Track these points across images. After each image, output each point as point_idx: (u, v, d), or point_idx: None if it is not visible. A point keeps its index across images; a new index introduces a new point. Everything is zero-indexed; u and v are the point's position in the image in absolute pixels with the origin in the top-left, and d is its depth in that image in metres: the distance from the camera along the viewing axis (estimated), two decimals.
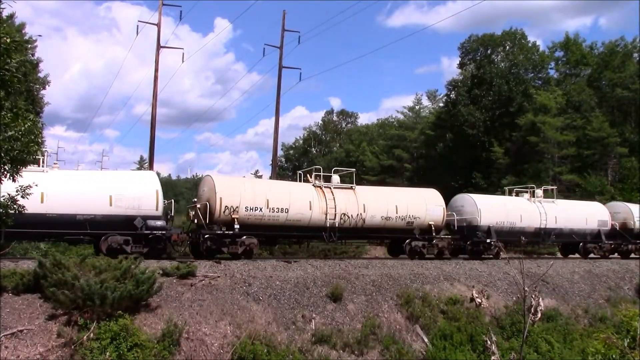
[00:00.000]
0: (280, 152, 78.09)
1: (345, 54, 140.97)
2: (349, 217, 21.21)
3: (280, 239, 22.19)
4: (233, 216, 19.19)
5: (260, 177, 70.77)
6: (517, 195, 27.51)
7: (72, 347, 11.92)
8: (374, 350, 15.28)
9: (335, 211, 20.91)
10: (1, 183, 10.86)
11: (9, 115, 10.14)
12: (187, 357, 13.00)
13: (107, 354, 11.81)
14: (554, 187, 28.55)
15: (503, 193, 29.43)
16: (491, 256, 23.51)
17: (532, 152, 46.67)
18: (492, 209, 24.72)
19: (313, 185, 21.74)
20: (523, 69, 52.84)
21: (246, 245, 19.30)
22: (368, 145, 68.07)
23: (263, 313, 15.05)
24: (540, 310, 7.08)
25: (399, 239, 22.91)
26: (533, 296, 7.05)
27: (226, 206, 19.15)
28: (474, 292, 18.56)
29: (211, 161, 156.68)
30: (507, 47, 54.22)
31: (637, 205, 30.17)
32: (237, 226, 19.10)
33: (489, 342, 7.13)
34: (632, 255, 28.15)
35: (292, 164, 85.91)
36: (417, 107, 67.24)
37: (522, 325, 10.15)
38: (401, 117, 68.80)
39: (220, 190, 19.28)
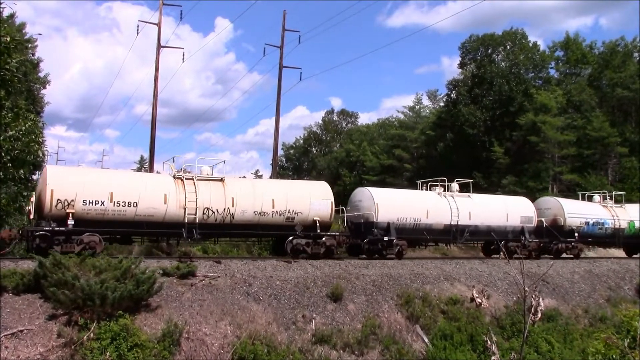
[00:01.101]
0: (280, 152, 78.25)
1: (346, 54, 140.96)
2: (214, 212, 18.98)
3: (134, 236, 19.86)
4: (68, 211, 16.93)
5: (261, 177, 70.75)
6: (429, 188, 24.97)
7: (73, 347, 11.92)
8: (374, 350, 15.28)
9: (196, 205, 18.65)
10: (2, 183, 10.89)
11: (9, 115, 10.17)
12: (187, 357, 12.99)
13: (108, 354, 11.81)
14: (471, 180, 25.90)
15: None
16: (392, 256, 21.45)
17: (533, 152, 46.70)
18: (392, 204, 22.36)
19: (173, 176, 19.44)
20: (523, 68, 52.88)
21: (85, 244, 17.15)
22: (368, 145, 68.12)
23: (263, 313, 15.05)
24: (541, 310, 7.09)
25: (279, 236, 20.82)
26: (533, 296, 7.05)
27: (59, 199, 16.82)
28: (474, 292, 18.56)
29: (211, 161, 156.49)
30: (508, 46, 54.25)
31: (569, 201, 28.78)
32: (71, 222, 16.97)
33: (489, 342, 7.13)
34: (565, 255, 26.19)
35: (292, 163, 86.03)
36: (417, 107, 67.34)
37: (523, 325, 10.15)
38: (401, 117, 68.93)
39: (52, 182, 16.78)
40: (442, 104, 63.17)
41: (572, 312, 19.70)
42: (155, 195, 18.37)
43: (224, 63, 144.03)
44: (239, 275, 16.42)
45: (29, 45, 32.90)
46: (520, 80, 51.38)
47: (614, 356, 10.02)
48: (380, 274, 18.56)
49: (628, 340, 10.12)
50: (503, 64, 53.78)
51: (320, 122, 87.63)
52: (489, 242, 25.47)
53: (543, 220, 26.11)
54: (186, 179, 19.24)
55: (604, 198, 29.58)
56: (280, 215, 20.07)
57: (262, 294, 15.76)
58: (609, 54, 51.31)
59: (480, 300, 18.22)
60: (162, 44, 33.45)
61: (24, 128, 10.14)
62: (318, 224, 20.52)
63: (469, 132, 51.23)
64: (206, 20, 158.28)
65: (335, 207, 21.51)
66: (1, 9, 9.90)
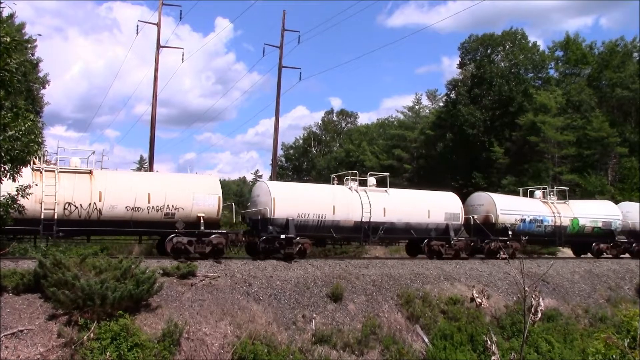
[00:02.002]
0: (280, 152, 78.26)
1: (346, 54, 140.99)
2: (77, 208, 17.43)
3: None
4: None
5: (260, 177, 70.81)
6: (341, 183, 22.97)
7: (73, 347, 11.93)
8: (375, 350, 15.29)
9: (55, 200, 17.07)
10: (1, 183, 10.88)
11: (9, 115, 10.16)
12: (187, 357, 13.00)
13: (108, 354, 11.82)
14: (387, 174, 24.07)
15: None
16: (294, 255, 19.26)
17: (532, 152, 46.69)
18: (291, 198, 20.32)
19: (32, 168, 17.43)
20: (523, 68, 52.90)
21: None
22: (368, 145, 68.13)
23: (263, 313, 15.05)
24: (541, 310, 7.08)
25: (160, 234, 19.43)
26: (533, 296, 7.05)
27: None
28: (474, 292, 18.57)
29: (211, 161, 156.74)
30: (507, 46, 54.27)
31: (503, 196, 26.80)
32: None
33: (489, 342, 7.12)
34: (501, 255, 23.31)
35: (292, 163, 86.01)
36: (417, 107, 67.35)
37: (523, 325, 10.14)
38: (401, 117, 68.93)
39: None
40: (441, 104, 63.20)
41: (572, 312, 19.72)
42: (10, 189, 15.81)
43: (224, 63, 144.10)
44: (239, 275, 16.43)
45: (29, 46, 32.93)
46: (520, 81, 51.39)
47: (614, 356, 10.01)
48: (380, 274, 18.57)
49: (628, 340, 10.12)
50: (502, 64, 53.78)
51: (320, 122, 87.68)
52: (414, 241, 23.46)
53: (475, 217, 24.20)
54: (46, 171, 17.57)
55: (547, 194, 27.60)
56: (157, 211, 18.38)
57: (262, 294, 15.76)
58: (609, 54, 51.33)
59: (480, 300, 18.23)
60: (162, 44, 33.45)
61: (23, 128, 10.12)
62: (202, 221, 18.79)
63: (469, 132, 51.24)
64: (206, 21, 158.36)
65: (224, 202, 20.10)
66: (1, 9, 9.88)
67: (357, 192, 21.86)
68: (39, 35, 65.31)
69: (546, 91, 47.69)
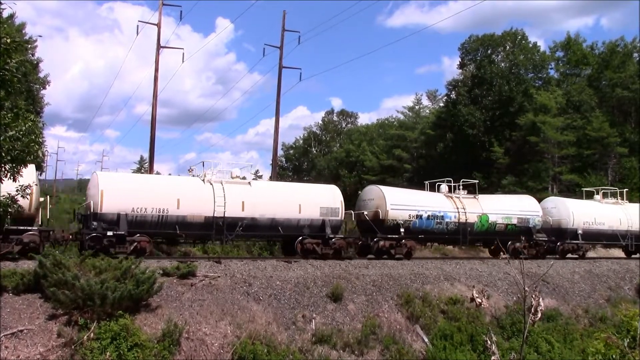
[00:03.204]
0: (280, 152, 78.30)
1: (346, 54, 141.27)
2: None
3: None
4: None
5: (260, 177, 70.80)
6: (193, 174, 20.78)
7: (73, 347, 11.93)
8: (374, 350, 15.29)
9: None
10: (1, 182, 10.90)
11: (9, 115, 10.17)
12: (187, 357, 13.00)
13: (108, 354, 11.82)
14: (251, 164, 22.49)
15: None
16: (125, 253, 16.85)
17: (532, 152, 46.73)
18: (124, 191, 18.08)
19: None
20: (523, 69, 52.93)
21: None
22: (368, 145, 68.17)
23: (263, 313, 15.06)
24: (541, 310, 7.06)
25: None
26: (533, 296, 7.04)
27: None
28: (474, 292, 18.42)
29: (212, 161, 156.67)
30: (508, 47, 54.31)
31: (396, 190, 24.10)
32: None
33: (489, 342, 7.11)
34: (399, 255, 21.57)
35: (292, 164, 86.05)
36: (417, 107, 67.40)
37: (523, 325, 10.14)
38: (401, 117, 68.98)
39: None
40: (441, 104, 63.24)
41: (572, 312, 19.71)
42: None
43: (224, 63, 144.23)
44: (239, 275, 16.43)
45: (29, 46, 32.97)
46: (520, 81, 51.44)
47: (614, 356, 10.01)
48: (380, 274, 18.57)
49: (628, 340, 10.11)
50: (503, 64, 53.83)
51: (320, 122, 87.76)
52: (289, 239, 20.98)
53: (365, 213, 22.01)
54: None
55: (453, 189, 24.76)
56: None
57: (262, 294, 15.77)
58: (609, 54, 51.36)
59: (480, 300, 18.05)
60: (163, 44, 33.44)
61: (24, 128, 10.13)
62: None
63: (469, 132, 51.29)
64: (207, 21, 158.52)
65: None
66: (1, 10, 9.89)
67: (212, 184, 19.42)
68: (40, 36, 65.42)
69: (546, 91, 47.74)
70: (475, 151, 51.69)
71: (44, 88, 38.71)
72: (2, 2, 9.84)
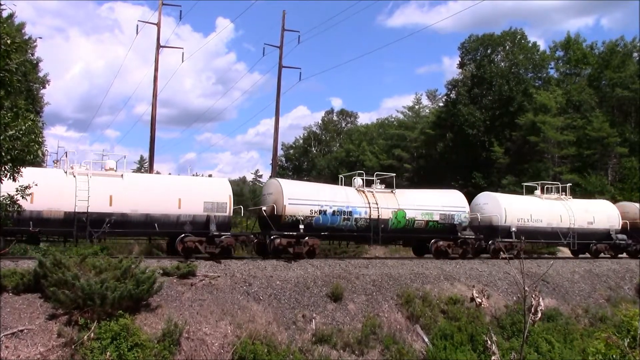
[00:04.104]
0: (280, 152, 78.31)
1: (346, 54, 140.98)
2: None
3: None
4: None
5: (261, 177, 70.84)
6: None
7: (73, 346, 11.93)
8: (375, 350, 15.29)
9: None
10: (1, 182, 10.89)
11: (9, 114, 10.16)
12: (187, 357, 13.00)
13: (108, 353, 11.82)
14: (124, 155, 19.92)
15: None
16: None
17: (532, 152, 46.73)
18: None
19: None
20: (523, 68, 52.94)
21: None
22: (368, 145, 68.17)
23: (263, 313, 15.06)
24: (541, 310, 7.06)
25: None
26: (533, 296, 7.04)
27: None
28: (474, 291, 18.55)
29: (212, 161, 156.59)
30: (507, 46, 54.32)
31: (295, 183, 22.80)
32: None
33: (489, 342, 7.11)
34: (300, 255, 19.31)
35: (292, 163, 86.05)
36: (417, 107, 67.41)
37: (523, 325, 10.14)
38: (401, 116, 68.99)
39: None
40: (441, 104, 63.25)
41: (572, 312, 19.72)
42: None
43: (224, 63, 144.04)
44: (239, 275, 16.43)
45: (29, 46, 32.96)
46: (520, 81, 51.44)
47: (614, 356, 10.00)
48: (380, 273, 18.57)
49: (628, 340, 10.10)
50: (502, 64, 53.83)
51: (320, 122, 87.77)
52: (170, 236, 19.39)
53: (264, 209, 20.40)
54: None
55: (368, 183, 22.69)
56: None
57: (262, 294, 15.77)
58: (609, 54, 51.36)
59: (480, 300, 18.21)
60: (163, 44, 33.50)
61: (23, 128, 10.12)
62: None
63: (469, 132, 51.28)
64: (207, 21, 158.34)
65: None
66: (1, 10, 9.88)
67: (75, 176, 17.71)
68: (40, 37, 65.45)
69: (546, 91, 47.75)
70: (475, 151, 51.70)
71: (44, 88, 38.73)
72: (1, 2, 9.83)
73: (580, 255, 27.18)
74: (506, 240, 23.71)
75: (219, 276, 16.04)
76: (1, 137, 9.86)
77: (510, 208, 24.61)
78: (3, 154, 10.08)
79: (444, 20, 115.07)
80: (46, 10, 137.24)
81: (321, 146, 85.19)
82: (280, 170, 72.98)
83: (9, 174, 10.73)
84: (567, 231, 25.85)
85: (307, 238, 19.75)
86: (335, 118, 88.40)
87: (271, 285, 16.29)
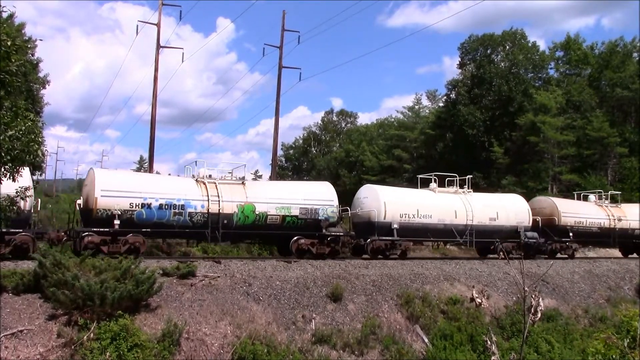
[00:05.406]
0: (280, 152, 78.34)
1: (346, 54, 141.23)
2: None
3: None
4: None
5: (260, 177, 70.89)
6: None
7: (72, 347, 11.93)
8: (374, 350, 15.29)
9: None
10: (1, 183, 10.89)
11: (8, 114, 10.16)
12: (187, 357, 13.00)
13: (107, 354, 11.82)
14: None
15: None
16: None
17: (532, 152, 46.78)
18: None
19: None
20: (523, 68, 52.98)
21: None
22: (368, 145, 68.21)
23: (263, 313, 15.06)
24: (541, 310, 7.08)
25: None
26: (533, 296, 7.05)
27: None
28: (474, 292, 18.53)
29: (212, 161, 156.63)
30: (507, 47, 54.36)
31: (116, 172, 20.46)
32: None
33: (489, 342, 7.13)
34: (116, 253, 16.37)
35: (292, 164, 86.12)
36: (416, 107, 67.46)
37: (522, 325, 10.16)
38: (401, 117, 69.02)
39: None
40: (441, 104, 63.29)
41: (572, 312, 19.71)
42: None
43: (225, 63, 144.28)
44: (238, 275, 16.43)
45: (29, 46, 32.99)
46: (520, 81, 51.48)
47: (613, 356, 10.01)
48: (380, 274, 18.56)
49: (628, 340, 10.12)
50: (502, 64, 53.87)
51: (320, 122, 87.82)
52: None
53: (78, 202, 18.72)
54: None
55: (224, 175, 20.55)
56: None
57: (262, 294, 15.76)
58: (609, 54, 51.41)
59: (480, 300, 18.20)
60: (163, 44, 33.46)
61: (23, 128, 10.13)
62: None
63: (469, 132, 51.32)
64: (208, 21, 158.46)
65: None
66: (1, 11, 9.89)
67: None
68: (41, 39, 65.54)
69: (546, 91, 47.80)
70: (475, 151, 51.74)
71: (44, 88, 38.80)
72: (1, 4, 9.84)
73: (490, 256, 24.43)
74: (386, 238, 21.41)
75: (218, 276, 16.04)
76: (1, 137, 9.87)
77: (392, 202, 21.91)
78: (3, 154, 10.08)
79: (445, 20, 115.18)
80: (47, 10, 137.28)
81: (321, 146, 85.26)
82: (280, 171, 73.02)
83: (8, 173, 10.74)
84: (464, 228, 23.15)
85: (129, 235, 17.54)
86: (335, 118, 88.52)
87: (271, 285, 16.29)
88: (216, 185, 19.51)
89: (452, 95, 57.30)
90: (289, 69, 35.29)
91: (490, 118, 52.13)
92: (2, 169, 10.56)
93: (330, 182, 24.83)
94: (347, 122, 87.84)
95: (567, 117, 46.18)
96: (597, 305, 20.66)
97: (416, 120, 64.51)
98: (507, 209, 24.79)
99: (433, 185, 24.58)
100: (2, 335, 11.70)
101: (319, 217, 20.34)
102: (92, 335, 12.14)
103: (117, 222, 17.42)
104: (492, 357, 6.86)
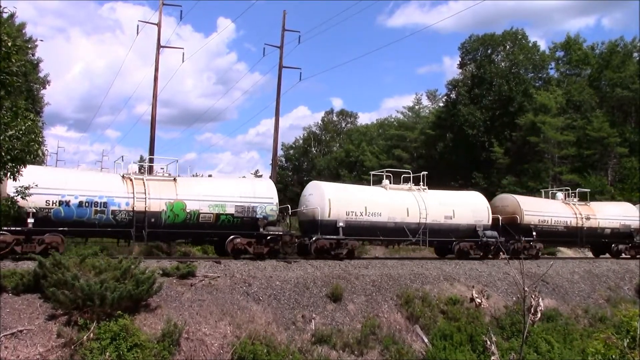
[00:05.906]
0: (280, 152, 78.30)
1: (347, 54, 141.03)
2: None
3: None
4: None
5: (260, 177, 70.82)
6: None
7: (72, 347, 11.93)
8: (374, 350, 15.29)
9: None
10: (2, 182, 10.89)
11: (8, 114, 10.17)
12: (187, 357, 13.00)
13: (107, 354, 11.82)
14: None
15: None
16: None
17: (532, 152, 46.78)
18: None
19: None
20: (523, 68, 52.97)
21: None
22: (368, 145, 68.18)
23: (263, 313, 15.06)
24: (540, 310, 7.08)
25: None
26: (533, 296, 7.05)
27: None
28: (473, 292, 18.43)
29: (212, 161, 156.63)
30: (508, 47, 54.34)
31: (34, 168, 16.67)
32: None
33: (488, 342, 7.13)
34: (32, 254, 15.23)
35: (292, 164, 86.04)
36: (417, 107, 67.43)
37: (522, 326, 10.15)
38: (401, 117, 69.01)
39: None
40: (441, 104, 63.28)
41: (572, 312, 19.71)
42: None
43: (225, 63, 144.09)
44: (238, 276, 16.43)
45: (29, 46, 33.01)
46: (520, 81, 51.47)
47: (613, 356, 10.02)
48: (380, 274, 18.56)
49: (628, 340, 10.12)
50: (503, 64, 53.86)
51: (320, 122, 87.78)
52: None
53: None
54: None
55: (149, 170, 19.98)
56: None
57: (261, 294, 15.76)
58: (609, 54, 51.40)
59: (479, 301, 18.08)
60: (163, 44, 33.49)
61: (23, 127, 10.13)
62: None
63: (469, 132, 51.30)
64: (208, 21, 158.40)
65: None
66: (1, 12, 9.89)
67: None
68: (41, 40, 65.55)
69: (546, 91, 47.79)
70: (475, 151, 51.72)
71: (44, 88, 38.83)
72: (1, 5, 9.84)
73: (449, 256, 23.43)
74: (331, 237, 20.41)
75: (218, 277, 16.04)
76: (1, 137, 9.87)
77: (337, 199, 20.87)
78: (3, 154, 10.09)
79: (445, 20, 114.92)
80: (47, 10, 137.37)
81: (321, 146, 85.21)
82: (280, 171, 72.97)
83: (9, 173, 10.74)
84: (417, 227, 22.02)
85: (46, 235, 16.68)
86: (335, 118, 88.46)
87: (271, 285, 16.29)
88: (144, 182, 18.48)
89: (452, 95, 57.28)
90: (289, 68, 35.36)
91: (491, 118, 52.12)
92: (3, 169, 10.57)
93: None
94: (347, 122, 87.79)
95: (567, 117, 46.17)
96: (596, 305, 20.65)
97: (416, 120, 64.49)
98: (465, 207, 23.59)
99: (385, 182, 23.43)
100: (2, 335, 11.70)
101: (257, 216, 19.43)
102: (91, 335, 12.14)
103: (30, 220, 16.49)
104: (492, 357, 6.87)
